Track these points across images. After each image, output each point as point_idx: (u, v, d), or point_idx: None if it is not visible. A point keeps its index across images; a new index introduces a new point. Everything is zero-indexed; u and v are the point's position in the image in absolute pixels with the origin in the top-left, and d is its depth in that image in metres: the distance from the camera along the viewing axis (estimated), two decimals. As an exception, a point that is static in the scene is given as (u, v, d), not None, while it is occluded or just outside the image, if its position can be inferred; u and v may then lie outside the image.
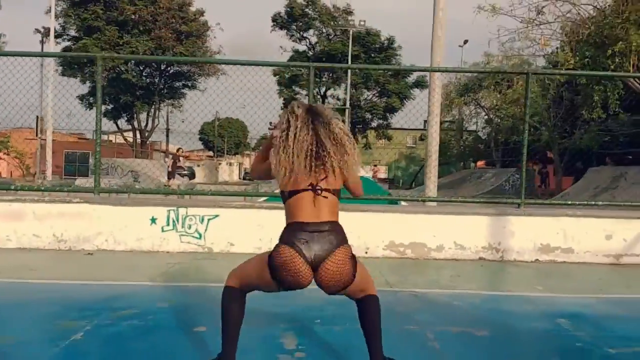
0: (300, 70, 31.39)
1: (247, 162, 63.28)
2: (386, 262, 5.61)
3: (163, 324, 3.32)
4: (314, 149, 2.25)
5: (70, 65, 32.47)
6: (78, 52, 30.38)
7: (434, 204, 7.23)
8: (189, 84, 37.95)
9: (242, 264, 2.48)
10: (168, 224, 5.80)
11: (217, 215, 5.83)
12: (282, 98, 33.93)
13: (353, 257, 2.32)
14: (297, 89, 35.73)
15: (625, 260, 5.97)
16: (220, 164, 46.17)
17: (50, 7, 24.53)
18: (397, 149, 45.64)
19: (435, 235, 5.91)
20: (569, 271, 5.56)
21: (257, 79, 6.74)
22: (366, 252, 5.77)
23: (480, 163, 40.04)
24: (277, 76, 35.05)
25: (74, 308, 3.62)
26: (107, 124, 33.20)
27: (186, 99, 38.22)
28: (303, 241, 2.22)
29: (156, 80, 36.53)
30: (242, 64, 6.48)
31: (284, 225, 2.33)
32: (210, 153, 54.00)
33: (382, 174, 43.98)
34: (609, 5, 13.68)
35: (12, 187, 6.37)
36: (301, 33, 38.70)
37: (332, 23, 37.24)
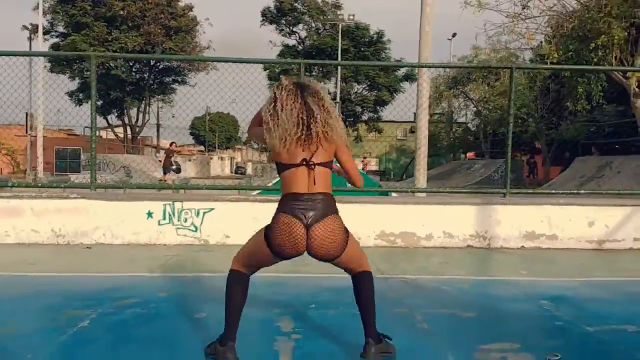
0: (291, 65, 31.41)
1: (239, 157, 63.27)
2: (377, 251, 5.79)
3: (165, 312, 3.47)
4: (304, 117, 2.38)
5: (60, 62, 32.26)
6: (66, 48, 30.26)
7: (424, 194, 7.42)
8: (179, 79, 37.86)
9: (243, 247, 2.65)
10: (164, 218, 5.93)
11: (212, 209, 5.98)
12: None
13: (344, 228, 2.49)
14: (287, 83, 35.63)
15: (608, 245, 6.20)
16: (211, 158, 46.15)
17: (38, 4, 24.37)
18: (388, 141, 45.84)
19: (424, 225, 6.10)
20: (553, 257, 5.77)
21: (247, 74, 6.81)
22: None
23: (470, 154, 40.39)
24: (267, 70, 35.00)
25: (77, 298, 3.76)
26: (98, 120, 32.96)
27: (176, 94, 38.20)
28: (298, 209, 2.40)
29: (146, 75, 36.39)
30: (235, 61, 6.59)
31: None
32: (202, 148, 53.91)
33: (373, 166, 44.20)
34: (592, 0, 13.93)
35: (10, 184, 6.45)
36: (290, 27, 38.70)
37: (321, 17, 37.26)
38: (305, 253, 2.48)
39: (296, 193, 2.43)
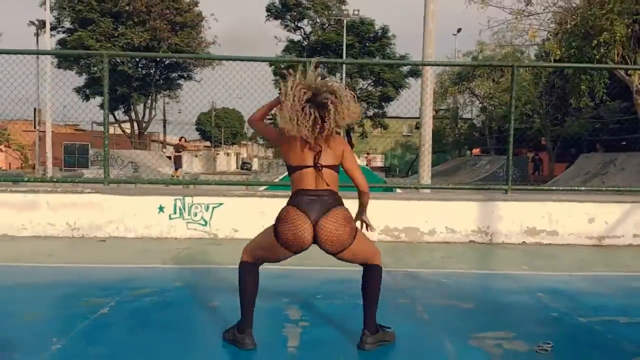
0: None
1: (245, 152, 63.48)
2: (381, 245, 5.85)
3: (180, 300, 3.67)
4: (316, 113, 2.50)
5: (66, 58, 32.53)
6: (73, 44, 30.53)
7: (427, 190, 7.57)
8: (185, 75, 38.06)
9: (252, 239, 2.82)
10: (175, 212, 6.13)
11: (221, 204, 6.17)
12: (278, 88, 33.99)
13: (351, 219, 2.65)
14: (293, 79, 35.73)
15: (607, 241, 6.34)
16: (218, 154, 46.38)
17: (44, 0, 24.57)
18: (393, 137, 45.94)
19: (427, 220, 6.27)
20: (554, 252, 5.90)
21: (252, 70, 6.92)
22: (362, 237, 6.10)
23: (475, 150, 40.43)
24: (273, 66, 35.15)
25: (96, 287, 3.96)
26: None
27: (182, 90, 38.40)
28: (305, 203, 2.57)
29: (152, 71, 36.62)
30: (243, 59, 6.72)
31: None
32: (208, 143, 54.14)
33: (378, 162, 44.33)
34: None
35: (25, 179, 6.66)
36: (295, 23, 38.76)
37: (326, 12, 37.31)
38: (315, 247, 2.63)
39: (304, 189, 2.61)
